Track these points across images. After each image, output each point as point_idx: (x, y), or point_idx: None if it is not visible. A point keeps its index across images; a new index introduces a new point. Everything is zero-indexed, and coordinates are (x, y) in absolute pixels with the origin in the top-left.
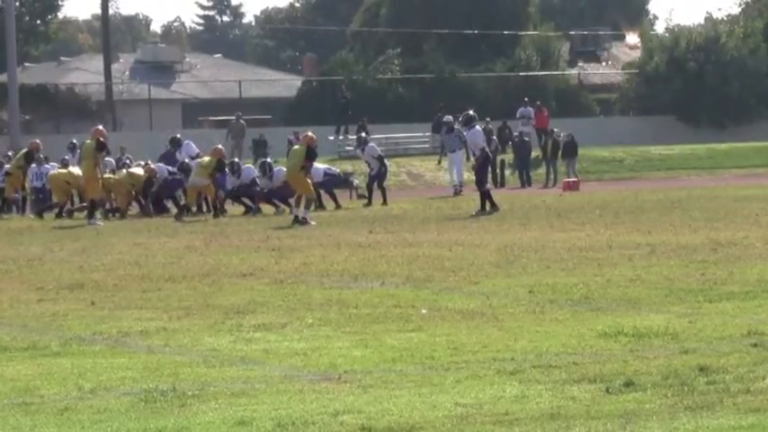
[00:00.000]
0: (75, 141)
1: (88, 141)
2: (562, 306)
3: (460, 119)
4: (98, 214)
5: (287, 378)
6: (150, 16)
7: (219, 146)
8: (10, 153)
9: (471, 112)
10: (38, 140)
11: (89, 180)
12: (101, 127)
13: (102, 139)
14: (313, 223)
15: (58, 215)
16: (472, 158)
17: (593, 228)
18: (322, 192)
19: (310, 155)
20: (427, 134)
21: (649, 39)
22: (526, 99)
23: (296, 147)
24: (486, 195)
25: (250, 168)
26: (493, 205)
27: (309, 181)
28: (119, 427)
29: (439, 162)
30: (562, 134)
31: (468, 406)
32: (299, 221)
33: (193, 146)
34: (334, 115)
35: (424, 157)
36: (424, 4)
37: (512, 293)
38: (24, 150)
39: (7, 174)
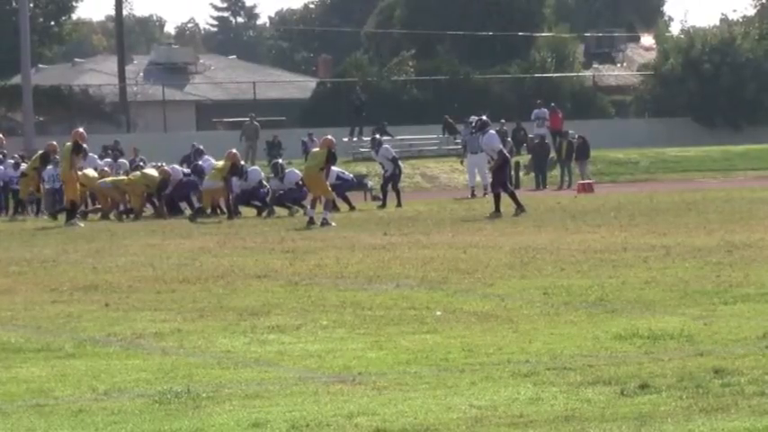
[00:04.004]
0: (85, 146)
1: (68, 144)
2: (577, 308)
3: (473, 125)
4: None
5: (301, 380)
6: (164, 17)
7: (234, 150)
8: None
9: (484, 117)
10: (54, 142)
11: (67, 182)
12: (81, 129)
13: (79, 141)
14: (334, 224)
15: None
16: (491, 161)
17: (607, 230)
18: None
19: (331, 158)
20: (441, 136)
21: (664, 40)
22: (539, 101)
23: (316, 149)
24: (511, 197)
25: (256, 170)
26: (519, 206)
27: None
28: (133, 428)
29: (461, 162)
30: (576, 136)
31: (483, 408)
32: (322, 223)
33: (212, 161)
34: (349, 117)
35: (438, 159)
36: (438, 5)
37: (526, 295)
38: (40, 152)
39: (23, 175)
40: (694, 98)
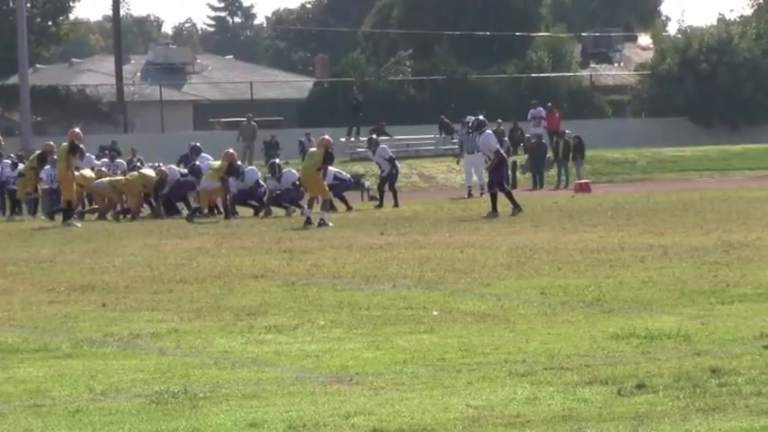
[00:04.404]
0: (82, 146)
1: (64, 144)
2: (574, 308)
3: (470, 124)
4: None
5: (298, 380)
6: (162, 18)
7: (231, 150)
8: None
9: (481, 117)
10: (51, 142)
11: (63, 182)
12: (77, 129)
13: (76, 141)
14: (331, 224)
15: None
16: (488, 161)
17: (605, 229)
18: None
19: (328, 158)
20: (438, 136)
21: (662, 40)
22: (536, 101)
23: (313, 149)
24: (508, 196)
25: (253, 170)
26: (515, 206)
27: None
28: (130, 428)
29: (458, 162)
30: (572, 135)
31: (480, 408)
32: (319, 223)
33: (210, 160)
34: (346, 117)
35: (435, 159)
36: (435, 5)
37: (523, 295)
38: (38, 152)
39: (20, 175)
40: (691, 98)
